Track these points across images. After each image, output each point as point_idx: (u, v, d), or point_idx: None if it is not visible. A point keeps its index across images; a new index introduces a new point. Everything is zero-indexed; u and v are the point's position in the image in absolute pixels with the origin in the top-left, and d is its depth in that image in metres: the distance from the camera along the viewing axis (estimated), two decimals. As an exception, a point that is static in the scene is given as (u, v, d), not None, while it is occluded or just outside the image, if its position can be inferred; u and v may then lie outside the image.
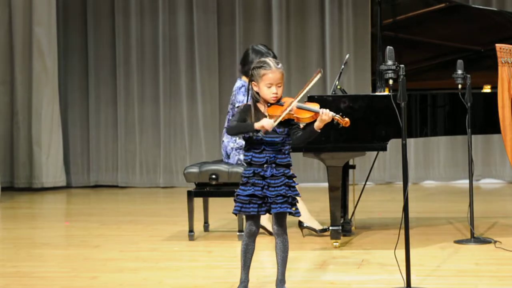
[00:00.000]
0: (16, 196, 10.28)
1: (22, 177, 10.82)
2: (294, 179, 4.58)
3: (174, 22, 10.99)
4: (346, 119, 4.49)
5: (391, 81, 4.91)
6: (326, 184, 6.27)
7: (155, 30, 11.02)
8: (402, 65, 4.80)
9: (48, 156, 10.74)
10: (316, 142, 5.99)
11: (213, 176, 6.56)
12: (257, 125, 4.43)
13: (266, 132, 4.45)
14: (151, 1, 11.02)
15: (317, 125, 4.47)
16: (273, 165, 4.52)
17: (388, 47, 4.96)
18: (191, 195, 6.61)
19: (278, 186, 4.50)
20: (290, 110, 4.43)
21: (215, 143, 10.57)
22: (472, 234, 6.26)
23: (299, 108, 4.48)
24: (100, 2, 11.11)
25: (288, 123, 4.53)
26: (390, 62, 4.90)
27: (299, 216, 4.61)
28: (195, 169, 6.64)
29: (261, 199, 4.52)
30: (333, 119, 4.47)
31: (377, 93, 6.39)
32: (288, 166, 4.56)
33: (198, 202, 6.73)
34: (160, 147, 11.05)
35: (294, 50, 10.86)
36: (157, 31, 11.00)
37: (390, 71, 4.88)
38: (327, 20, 10.78)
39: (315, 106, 4.52)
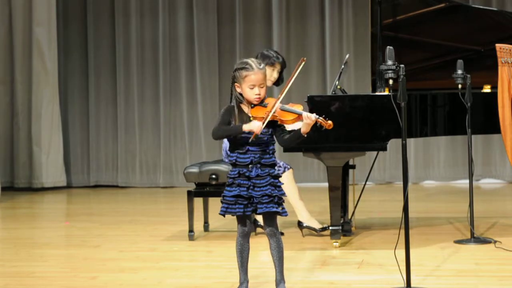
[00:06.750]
0: (16, 196, 10.28)
1: (22, 177, 10.83)
2: (279, 178, 4.59)
3: (174, 22, 10.99)
4: (329, 121, 4.48)
5: (391, 81, 4.91)
6: (326, 184, 6.27)
7: (155, 30, 11.02)
8: (402, 65, 4.80)
9: (48, 156, 10.74)
10: (316, 142, 6.00)
11: (213, 176, 6.56)
12: (245, 127, 4.43)
13: (256, 135, 4.46)
14: (151, 1, 11.02)
15: (303, 130, 4.46)
16: (258, 165, 4.52)
17: (388, 47, 4.95)
18: (191, 195, 6.61)
19: (263, 186, 4.51)
20: (274, 111, 4.44)
21: (215, 143, 10.55)
22: (472, 234, 6.26)
23: (282, 110, 4.49)
24: (100, 2, 11.11)
25: (272, 124, 4.54)
26: (390, 62, 4.89)
27: (286, 215, 4.61)
28: (195, 169, 6.64)
29: (246, 199, 4.53)
30: (316, 122, 4.47)
31: (377, 93, 6.39)
32: (273, 166, 4.57)
33: (198, 202, 6.73)
34: (160, 147, 11.05)
35: (294, 50, 10.86)
36: (157, 31, 11.00)
37: (390, 71, 4.88)
38: (327, 20, 10.78)
39: (298, 108, 4.53)
